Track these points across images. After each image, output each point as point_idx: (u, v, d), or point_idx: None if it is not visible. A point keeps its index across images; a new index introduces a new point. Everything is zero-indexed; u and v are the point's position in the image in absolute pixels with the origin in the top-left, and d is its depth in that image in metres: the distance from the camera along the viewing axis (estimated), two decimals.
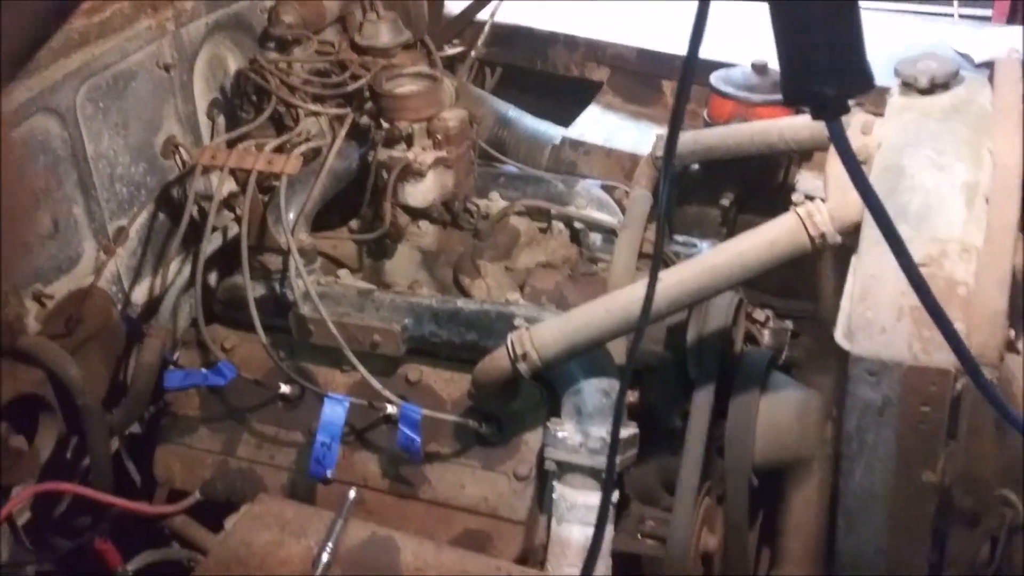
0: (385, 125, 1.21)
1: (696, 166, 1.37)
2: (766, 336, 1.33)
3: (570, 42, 1.80)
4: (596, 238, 1.31)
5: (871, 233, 0.88)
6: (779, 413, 1.14)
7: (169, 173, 1.25)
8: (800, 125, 1.17)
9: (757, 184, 1.38)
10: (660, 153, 1.32)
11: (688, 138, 1.33)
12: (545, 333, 1.00)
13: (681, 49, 1.70)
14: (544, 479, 1.10)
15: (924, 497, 0.86)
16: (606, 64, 1.78)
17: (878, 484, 0.89)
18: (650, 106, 1.72)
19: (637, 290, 0.99)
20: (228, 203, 1.23)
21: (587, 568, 0.90)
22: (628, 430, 1.06)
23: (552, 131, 1.65)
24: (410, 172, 1.18)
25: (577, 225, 1.32)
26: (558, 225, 1.33)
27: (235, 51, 1.36)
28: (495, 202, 1.34)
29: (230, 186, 1.23)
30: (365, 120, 1.29)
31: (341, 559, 0.92)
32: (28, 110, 1.05)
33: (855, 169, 0.58)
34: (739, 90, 1.38)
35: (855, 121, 1.07)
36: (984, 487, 0.84)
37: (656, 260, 0.74)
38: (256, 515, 0.98)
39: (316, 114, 1.27)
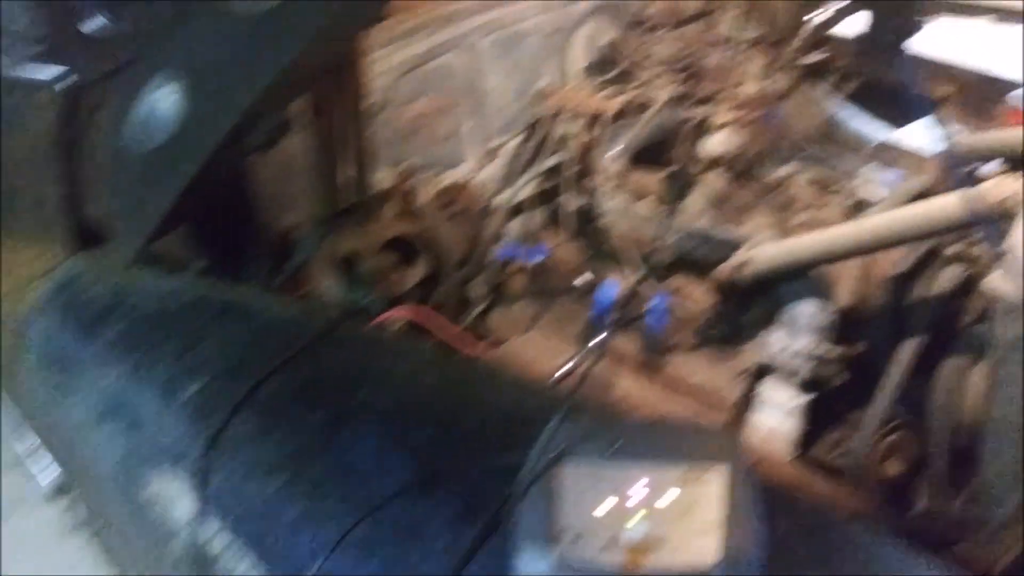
0: None
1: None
2: None
3: (919, 60, 1.96)
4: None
5: None
6: None
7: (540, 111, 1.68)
8: None
9: None
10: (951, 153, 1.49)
11: (971, 139, 1.49)
12: (763, 251, 1.26)
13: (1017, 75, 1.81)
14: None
15: None
16: (948, 82, 1.92)
17: (1015, 414, 1.03)
18: (979, 124, 1.84)
19: (843, 228, 1.21)
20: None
21: None
22: (828, 349, 1.28)
23: (875, 133, 1.84)
24: (705, 127, 1.50)
25: (856, 199, 1.54)
26: (839, 198, 1.55)
27: (609, 30, 1.76)
28: (789, 169, 1.60)
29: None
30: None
31: (575, 375, 1.27)
32: (445, 47, 1.52)
33: None
34: None
35: None
36: None
37: None
38: (529, 338, 1.37)
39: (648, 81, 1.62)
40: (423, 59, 1.49)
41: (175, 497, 0.99)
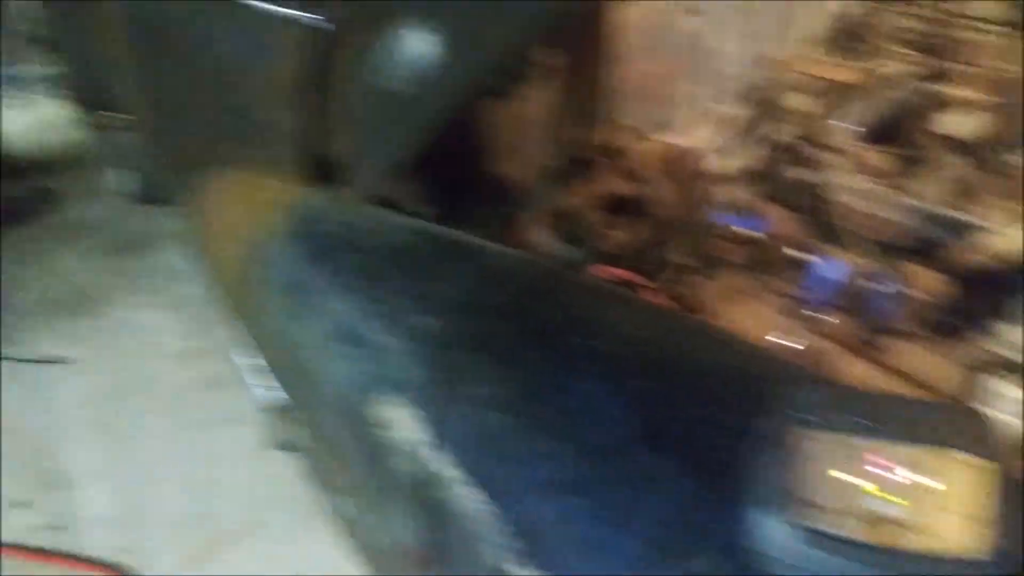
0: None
1: None
2: None
3: None
4: None
5: None
6: None
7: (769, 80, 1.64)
8: None
9: None
10: None
11: None
12: (1005, 238, 1.19)
13: None
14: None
15: None
16: None
17: None
18: None
19: None
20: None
21: None
22: None
23: None
24: (945, 106, 1.43)
25: None
26: None
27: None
28: None
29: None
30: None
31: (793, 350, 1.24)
32: (676, 7, 1.50)
33: None
34: None
35: None
36: None
37: None
38: (743, 308, 1.35)
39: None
40: (653, 18, 1.48)
41: (401, 422, 1.03)
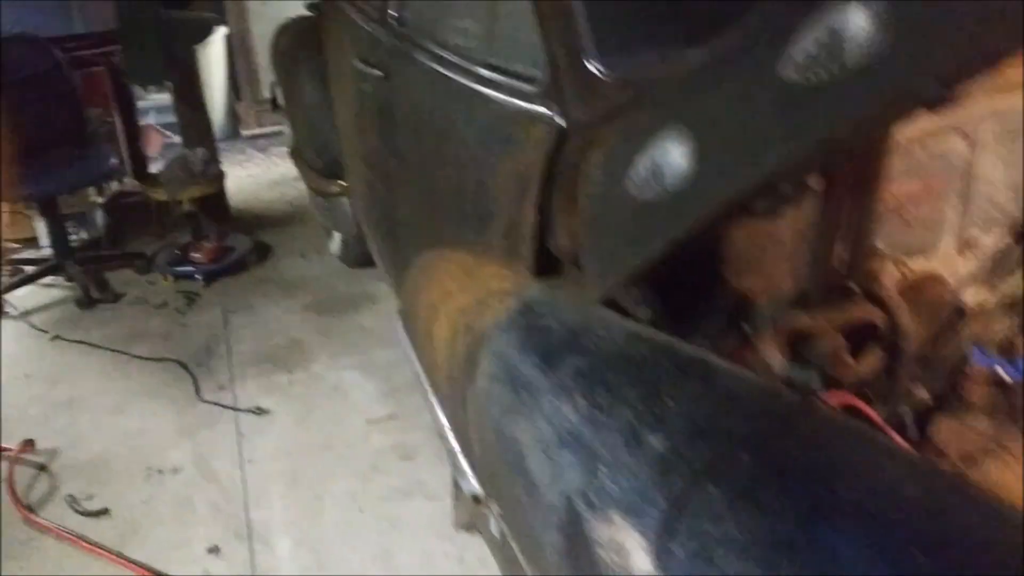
0: None
1: None
2: None
3: None
4: None
5: None
6: None
7: None
8: None
9: None
10: None
11: None
12: None
13: None
14: None
15: None
16: None
17: None
18: None
19: None
20: None
21: None
22: None
23: None
24: None
25: None
26: None
27: None
28: None
29: None
30: None
31: None
32: (946, 130, 1.41)
33: None
34: None
35: None
36: None
37: None
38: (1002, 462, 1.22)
39: None
40: (920, 137, 1.40)
41: (631, 549, 0.98)
